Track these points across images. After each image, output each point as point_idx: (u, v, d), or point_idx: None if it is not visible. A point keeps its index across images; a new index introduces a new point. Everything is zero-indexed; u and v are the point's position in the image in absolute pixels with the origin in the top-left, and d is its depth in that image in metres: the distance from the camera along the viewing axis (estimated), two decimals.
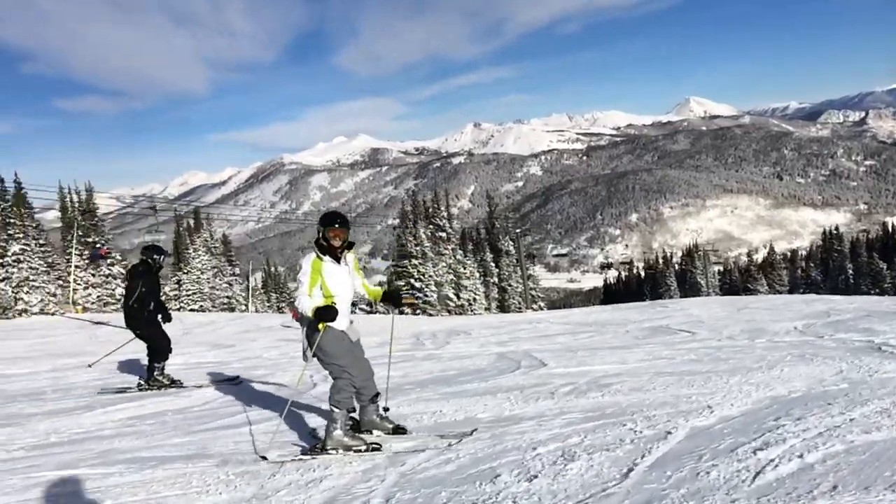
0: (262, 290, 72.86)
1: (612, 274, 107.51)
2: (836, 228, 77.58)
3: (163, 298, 9.55)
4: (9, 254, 43.84)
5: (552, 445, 4.57)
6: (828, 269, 70.10)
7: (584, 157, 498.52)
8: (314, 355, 5.00)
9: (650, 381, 6.87)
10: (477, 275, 58.86)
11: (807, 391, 5.88)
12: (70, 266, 45.74)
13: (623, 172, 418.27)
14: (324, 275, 4.96)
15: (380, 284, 73.44)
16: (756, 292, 62.92)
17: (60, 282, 46.95)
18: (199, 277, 55.14)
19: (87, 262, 44.82)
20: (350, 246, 5.18)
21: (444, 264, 56.35)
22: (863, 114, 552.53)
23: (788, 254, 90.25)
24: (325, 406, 5.13)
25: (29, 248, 45.08)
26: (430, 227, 57.37)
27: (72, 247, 46.16)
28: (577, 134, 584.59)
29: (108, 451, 5.38)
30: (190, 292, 54.05)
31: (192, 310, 49.81)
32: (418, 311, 52.20)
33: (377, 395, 5.39)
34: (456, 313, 53.79)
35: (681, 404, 5.65)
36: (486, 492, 3.73)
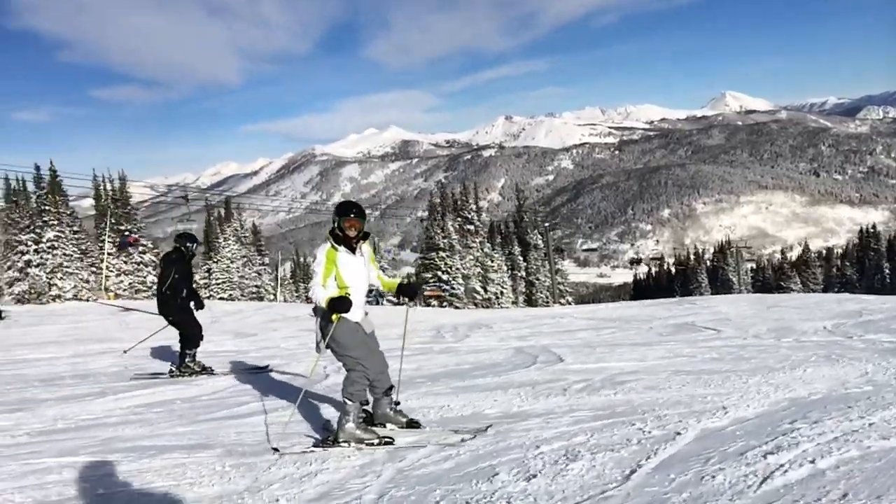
0: (290, 280, 73.44)
1: (642, 269, 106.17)
2: (874, 226, 75.68)
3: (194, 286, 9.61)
4: (43, 240, 44.73)
5: (556, 444, 4.45)
6: (864, 268, 68.60)
7: (617, 152, 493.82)
8: (328, 346, 4.93)
9: (666, 380, 6.71)
10: (504, 268, 58.65)
11: (827, 393, 5.68)
12: (103, 253, 46.50)
13: (656, 167, 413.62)
14: (338, 265, 4.89)
15: (408, 276, 73.79)
16: (789, 290, 61.79)
17: (93, 268, 47.81)
18: (228, 266, 55.73)
19: (116, 248, 45.52)
20: (365, 236, 5.09)
21: (471, 257, 56.24)
22: None
23: (824, 252, 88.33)
24: (338, 397, 5.06)
25: (63, 235, 45.94)
26: (459, 219, 57.26)
27: (105, 234, 46.90)
28: (610, 128, 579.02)
29: (111, 438, 5.39)
30: (219, 281, 54.67)
31: (221, 298, 50.40)
32: (445, 304, 52.20)
33: (391, 387, 5.30)
34: (483, 306, 53.66)
35: (695, 404, 5.49)
36: (482, 491, 3.63)
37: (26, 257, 44.16)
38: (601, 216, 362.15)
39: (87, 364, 10.08)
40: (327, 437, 5.03)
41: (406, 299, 5.71)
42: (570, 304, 57.26)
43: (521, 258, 61.05)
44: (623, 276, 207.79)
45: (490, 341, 12.23)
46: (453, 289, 54.06)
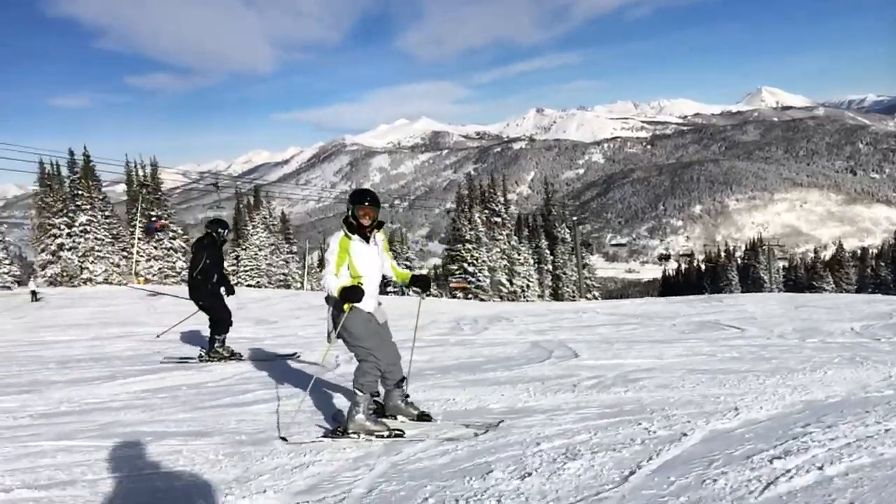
0: (318, 269, 73.84)
1: (671, 266, 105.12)
2: None
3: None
4: (76, 224, 45.50)
5: (557, 442, 4.34)
6: None
7: (649, 146, 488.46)
8: (339, 336, 4.86)
9: (681, 379, 6.55)
10: (531, 261, 58.37)
11: (846, 397, 5.48)
12: (133, 238, 47.14)
13: (688, 162, 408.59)
14: (352, 254, 4.81)
15: (435, 268, 73.61)
16: (821, 290, 60.65)
17: (124, 253, 48.56)
18: (256, 254, 56.20)
19: (142, 233, 46.15)
20: (380, 225, 5.00)
21: (498, 250, 56.06)
22: None
23: (858, 251, 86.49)
24: (350, 387, 5.00)
25: (95, 220, 46.72)
26: (486, 211, 57.08)
27: (136, 219, 47.52)
28: (643, 122, 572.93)
29: (111, 423, 5.40)
30: (247, 268, 55.16)
31: (248, 285, 50.85)
32: (470, 296, 52.10)
33: (403, 379, 5.23)
34: (508, 299, 53.47)
35: (706, 404, 5.34)
36: (473, 488, 3.54)
37: (59, 240, 45.01)
38: (631, 211, 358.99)
39: (104, 347, 10.17)
40: (337, 427, 4.97)
41: (416, 290, 5.58)
42: (596, 298, 56.81)
43: (548, 252, 60.70)
44: (652, 272, 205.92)
45: (508, 335, 12.12)
46: (479, 281, 53.94)
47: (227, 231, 9.52)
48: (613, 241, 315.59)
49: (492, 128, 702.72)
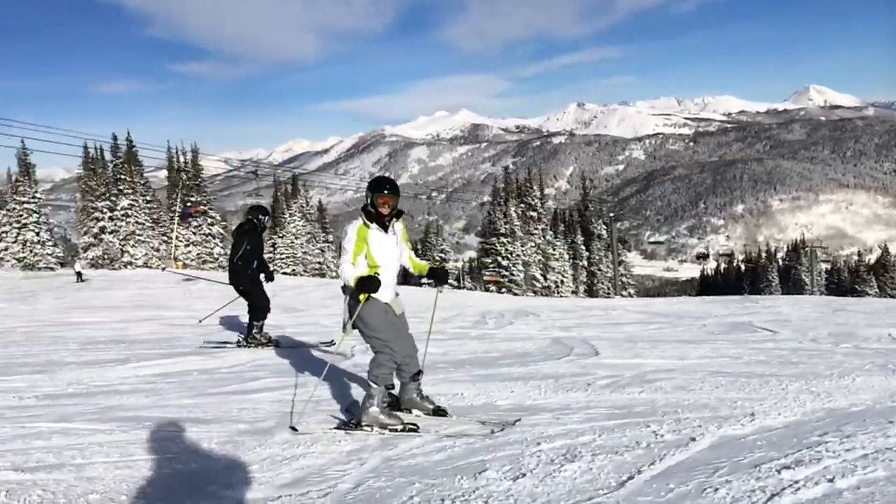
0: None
1: (710, 265, 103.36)
2: None
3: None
4: (118, 208, 46.43)
5: (558, 442, 4.20)
6: None
7: (691, 143, 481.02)
8: (354, 326, 4.78)
9: (700, 381, 6.34)
10: (566, 257, 57.86)
11: (871, 405, 5.24)
12: (173, 223, 47.91)
13: (731, 160, 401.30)
14: (369, 243, 4.71)
15: (470, 261, 73.39)
16: (864, 294, 58.98)
17: (164, 238, 49.42)
18: (293, 242, 56.70)
19: (178, 218, 46.88)
20: (399, 214, 4.88)
21: (532, 244, 55.68)
22: None
23: None
24: (365, 377, 4.93)
25: (136, 204, 47.62)
26: (522, 205, 56.71)
27: (176, 205, 48.27)
28: (685, 118, 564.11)
29: (113, 407, 5.40)
30: (283, 256, 55.69)
31: (283, 273, 51.36)
32: (503, 290, 51.86)
33: (419, 372, 5.13)
34: (542, 294, 53.10)
35: (722, 408, 5.14)
36: (462, 488, 3.42)
37: (101, 224, 46.00)
38: (671, 209, 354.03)
39: (129, 330, 10.29)
40: (350, 419, 4.89)
41: (432, 282, 5.47)
42: (631, 296, 56.13)
43: (583, 247, 60.10)
44: (690, 272, 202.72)
45: (531, 330, 11.96)
46: (512, 275, 53.66)
47: (267, 217, 9.56)
48: (651, 239, 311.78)
49: (531, 121, 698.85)
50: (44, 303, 18.24)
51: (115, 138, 48.21)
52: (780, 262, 79.85)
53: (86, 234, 46.33)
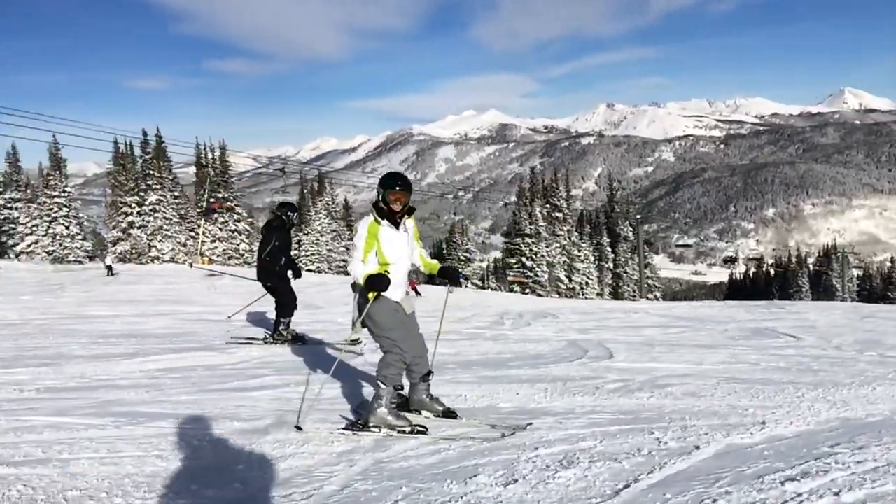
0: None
1: (739, 269, 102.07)
2: None
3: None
4: (146, 203, 46.99)
5: (557, 448, 4.08)
6: None
7: (722, 146, 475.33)
8: (364, 325, 4.70)
9: (713, 387, 6.17)
10: (591, 259, 57.42)
11: (889, 416, 5.03)
12: (200, 219, 48.37)
13: (763, 164, 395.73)
14: (381, 240, 4.63)
15: (495, 261, 73.13)
16: None
17: (191, 233, 49.93)
18: (318, 239, 56.95)
19: (201, 214, 47.31)
20: (411, 211, 4.79)
21: (557, 245, 55.32)
22: None
23: None
24: (374, 373, 4.85)
25: (164, 200, 48.16)
26: (547, 206, 56.37)
27: (203, 200, 48.74)
28: (717, 120, 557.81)
29: (111, 402, 5.38)
30: (308, 253, 55.96)
31: (308, 270, 51.62)
32: (527, 291, 51.60)
33: (429, 373, 5.03)
34: (566, 296, 52.73)
35: (731, 416, 4.98)
36: (451, 492, 3.32)
37: (129, 218, 46.59)
38: (700, 212, 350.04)
39: (143, 325, 10.33)
40: (358, 419, 4.82)
41: (448, 282, 5.32)
42: (657, 299, 55.55)
43: (609, 249, 59.62)
44: (719, 276, 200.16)
45: (547, 331, 11.81)
46: (537, 276, 53.37)
47: (295, 214, 9.61)
48: (679, 242, 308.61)
49: (560, 122, 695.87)
50: (69, 296, 18.45)
51: (144, 134, 48.86)
52: (811, 267, 78.56)
53: (114, 228, 46.98)
